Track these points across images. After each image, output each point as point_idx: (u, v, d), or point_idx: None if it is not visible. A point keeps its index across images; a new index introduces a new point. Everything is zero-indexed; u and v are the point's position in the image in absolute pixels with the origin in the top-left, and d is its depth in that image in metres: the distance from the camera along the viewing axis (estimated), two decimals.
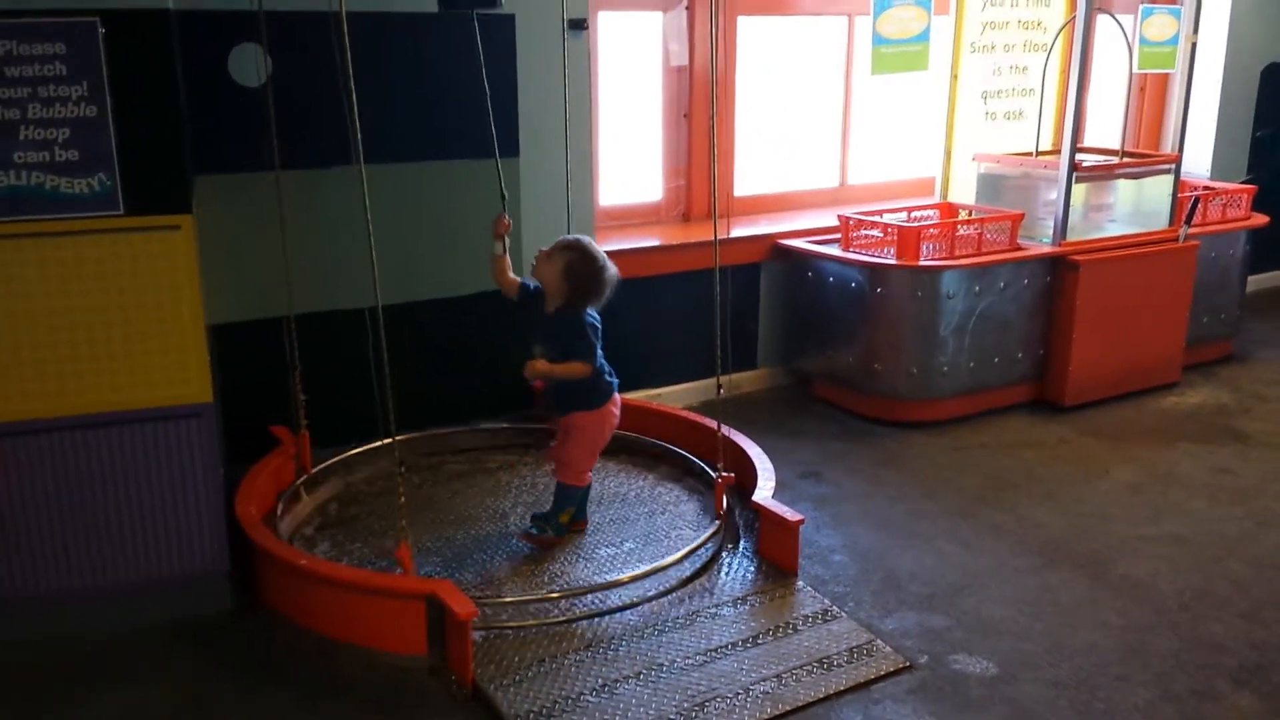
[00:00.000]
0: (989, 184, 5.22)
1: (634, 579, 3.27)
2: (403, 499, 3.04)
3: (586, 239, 3.49)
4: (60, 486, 2.97)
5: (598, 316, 3.46)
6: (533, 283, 3.48)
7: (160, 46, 2.85)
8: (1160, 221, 5.12)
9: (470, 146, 4.14)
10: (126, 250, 2.89)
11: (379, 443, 3.96)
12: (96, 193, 2.84)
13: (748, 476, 3.68)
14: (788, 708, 2.76)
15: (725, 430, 3.64)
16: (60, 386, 2.91)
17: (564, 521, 3.53)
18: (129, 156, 2.84)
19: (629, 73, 4.92)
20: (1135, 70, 5.23)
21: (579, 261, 3.37)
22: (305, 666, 2.95)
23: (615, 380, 3.52)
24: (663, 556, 3.41)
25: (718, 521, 3.55)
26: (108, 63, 2.77)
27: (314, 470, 3.79)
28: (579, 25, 4.28)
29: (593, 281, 3.38)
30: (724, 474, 3.58)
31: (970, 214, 5.01)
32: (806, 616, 3.16)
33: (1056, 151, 5.08)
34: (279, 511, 3.55)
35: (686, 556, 3.37)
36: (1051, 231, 4.82)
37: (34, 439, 2.92)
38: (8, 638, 3.01)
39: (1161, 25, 5.18)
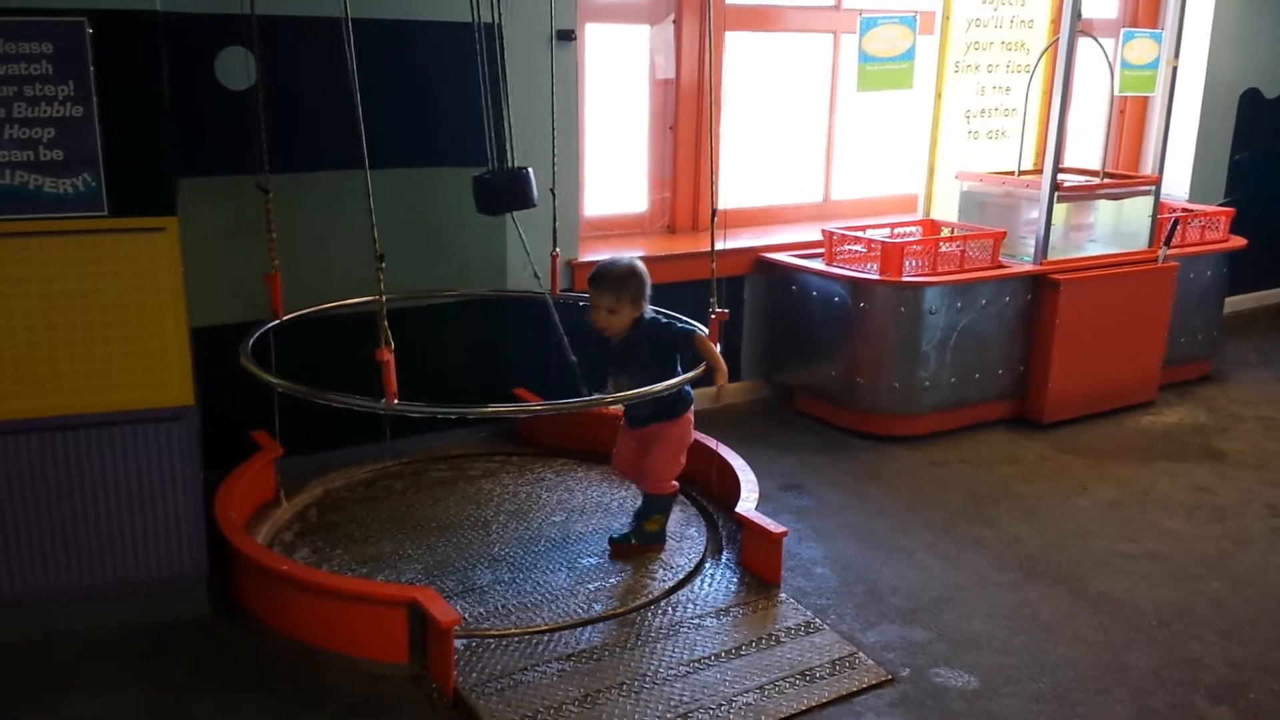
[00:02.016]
0: (971, 202, 5.26)
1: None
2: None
3: (602, 262, 3.45)
4: (38, 487, 2.94)
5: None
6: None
7: (147, 48, 2.83)
8: (1140, 242, 5.17)
9: (458, 154, 4.14)
10: (110, 251, 2.87)
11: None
12: (81, 193, 2.82)
13: (731, 488, 3.68)
14: (770, 719, 2.75)
15: (708, 440, 3.64)
16: (40, 387, 2.88)
17: (652, 530, 3.54)
18: (114, 157, 2.82)
19: (615, 85, 4.93)
20: (1116, 93, 5.30)
21: (632, 283, 3.35)
22: (284, 673, 2.92)
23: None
24: (645, 565, 3.41)
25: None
26: (95, 63, 2.76)
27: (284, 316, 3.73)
28: (566, 36, 4.29)
29: (641, 285, 3.38)
30: (718, 310, 3.54)
31: (953, 231, 5.05)
32: (789, 628, 3.16)
33: (1038, 171, 5.13)
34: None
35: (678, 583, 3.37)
36: (1033, 250, 4.86)
37: (12, 439, 2.89)
38: None
39: (1142, 49, 5.25)
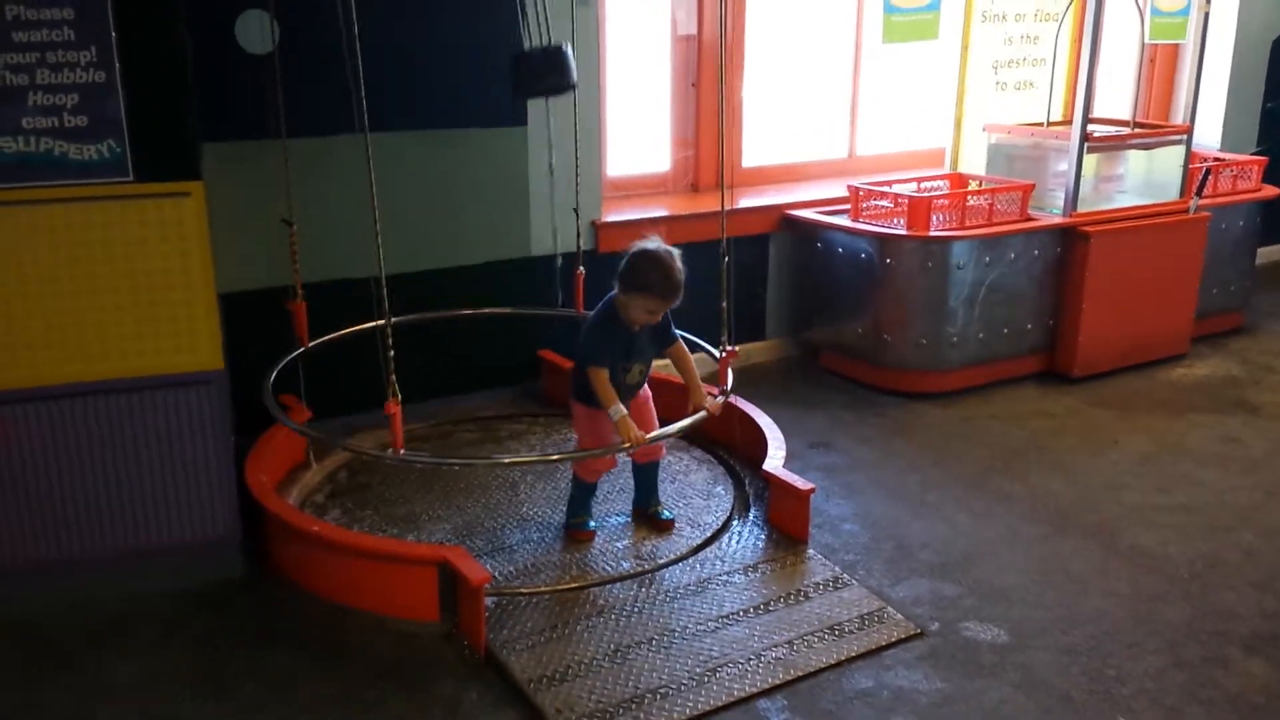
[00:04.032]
0: (999, 154, 5.19)
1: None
2: (390, 352, 2.93)
3: (661, 267, 3.16)
4: (72, 452, 2.97)
5: None
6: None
7: (168, 11, 2.82)
8: (1171, 193, 5.09)
9: (480, 115, 4.13)
10: (136, 217, 2.88)
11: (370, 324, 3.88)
12: (106, 159, 2.82)
13: (758, 446, 3.68)
14: (799, 673, 2.77)
15: (735, 400, 3.62)
16: (69, 353, 2.91)
17: None
18: (138, 122, 2.82)
19: (637, 43, 4.88)
20: (1147, 40, 5.20)
21: (655, 278, 3.15)
22: (317, 632, 2.96)
23: None
24: (672, 525, 3.44)
25: (723, 397, 3.44)
26: (116, 28, 2.75)
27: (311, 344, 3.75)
28: None
29: (661, 277, 3.18)
30: (729, 348, 3.47)
31: (980, 185, 4.99)
32: (817, 584, 3.16)
33: (1067, 122, 5.05)
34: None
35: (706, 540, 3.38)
36: (1062, 202, 4.80)
37: (44, 405, 2.92)
38: (21, 602, 3.02)
39: None
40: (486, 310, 4.25)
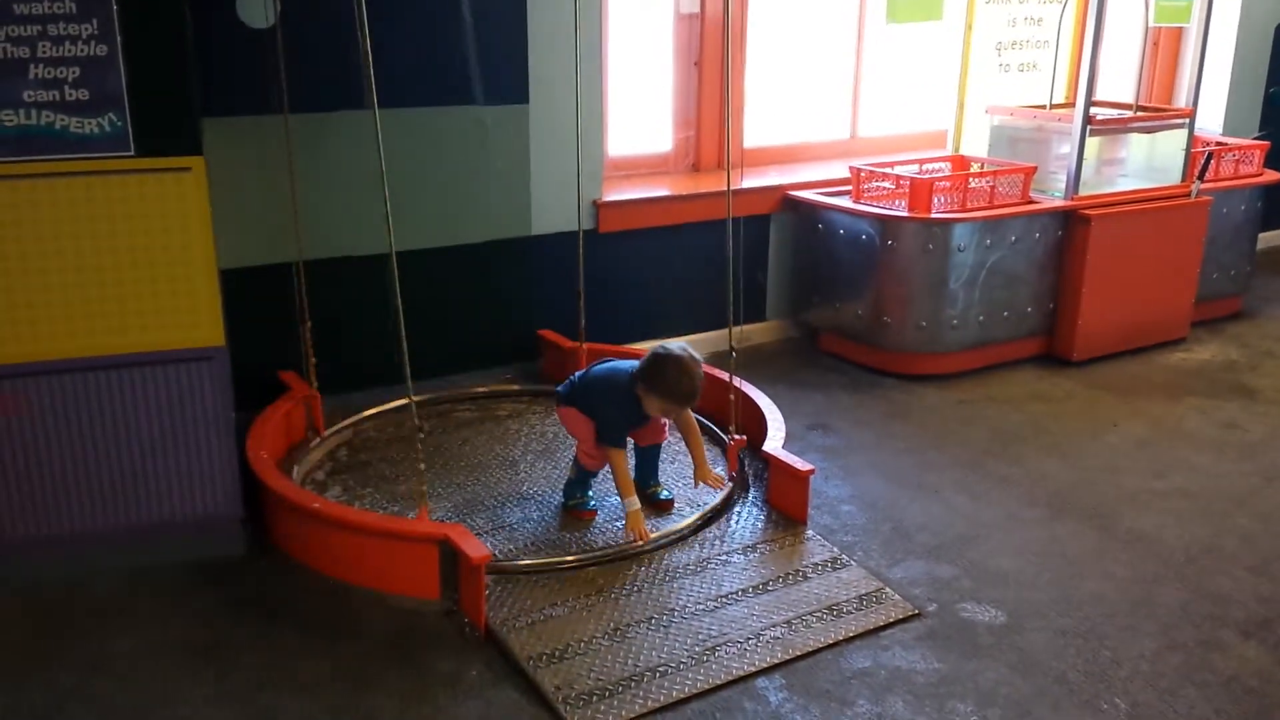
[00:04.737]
0: (1002, 136, 5.18)
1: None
2: (422, 465, 3.03)
3: (689, 375, 3.20)
4: (73, 428, 2.97)
5: None
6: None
7: None
8: (1173, 177, 5.08)
9: (482, 92, 4.11)
10: (137, 192, 2.87)
11: (396, 403, 3.98)
12: (107, 133, 2.81)
13: (757, 427, 3.69)
14: (798, 652, 2.78)
15: (736, 381, 3.64)
16: (70, 328, 2.91)
17: None
18: (139, 97, 2.81)
19: (639, 21, 4.86)
20: (1151, 23, 5.18)
21: (677, 387, 3.21)
22: (318, 609, 2.97)
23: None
24: (672, 504, 3.45)
25: (730, 483, 3.55)
26: (117, 0, 2.74)
27: (326, 434, 3.80)
28: None
29: (685, 388, 3.23)
30: (736, 436, 3.57)
31: (982, 167, 4.98)
32: (816, 564, 3.18)
33: (1070, 104, 5.04)
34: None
35: (705, 519, 3.41)
36: (1064, 185, 4.79)
37: (45, 380, 2.92)
38: (24, 578, 3.03)
39: None
40: None
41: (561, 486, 3.52)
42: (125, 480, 3.06)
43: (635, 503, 3.25)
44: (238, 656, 2.76)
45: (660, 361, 3.22)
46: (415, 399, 3.07)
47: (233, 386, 3.11)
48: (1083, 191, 4.77)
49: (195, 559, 3.16)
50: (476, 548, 2.84)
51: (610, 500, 3.49)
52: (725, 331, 3.58)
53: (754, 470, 3.68)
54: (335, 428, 3.84)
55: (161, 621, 2.90)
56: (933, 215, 4.48)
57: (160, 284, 2.95)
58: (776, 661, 2.75)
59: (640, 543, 3.20)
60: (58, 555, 3.06)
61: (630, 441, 3.46)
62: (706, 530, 3.35)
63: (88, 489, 3.04)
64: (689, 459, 3.76)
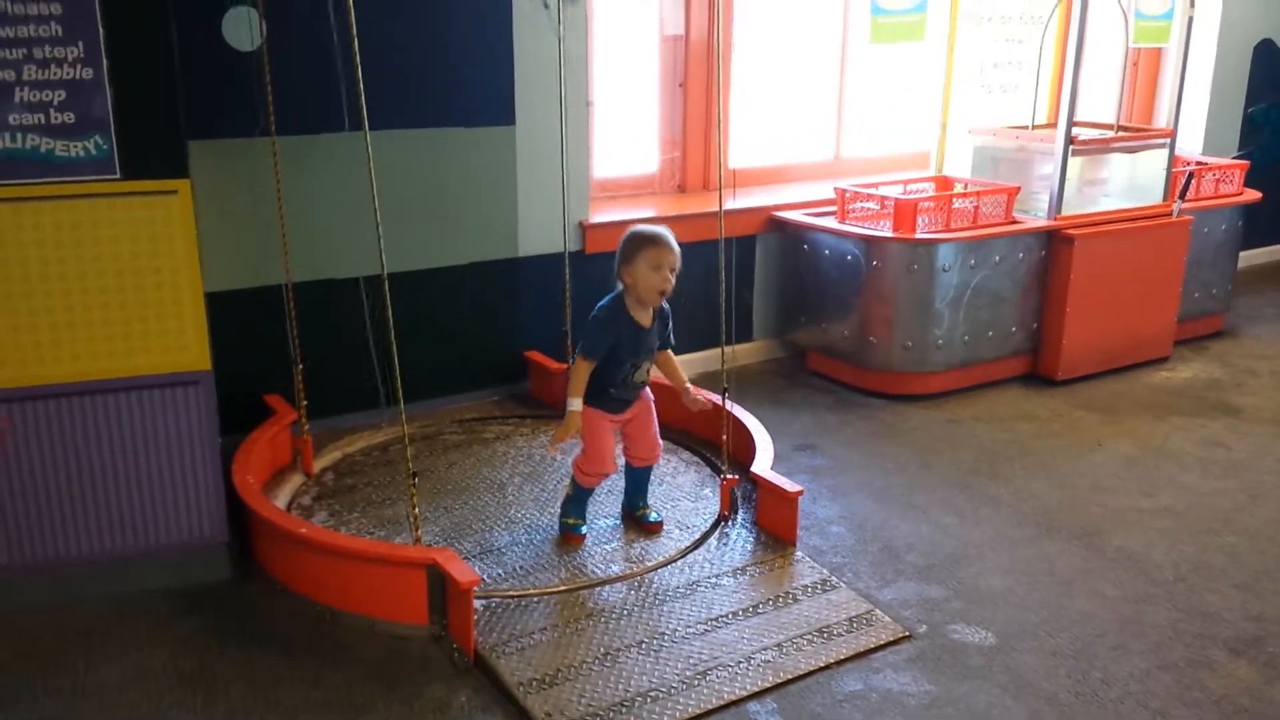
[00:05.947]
0: (985, 157, 5.22)
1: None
2: (415, 510, 3.01)
3: (642, 227, 3.24)
4: (58, 453, 2.94)
5: None
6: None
7: (156, 8, 2.80)
8: (1154, 196, 5.13)
9: (465, 114, 4.11)
10: (124, 215, 2.85)
11: (383, 435, 3.95)
12: (93, 156, 2.80)
13: (745, 448, 3.68)
14: (789, 676, 2.77)
15: (725, 402, 3.63)
16: (56, 353, 2.88)
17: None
18: (125, 119, 2.80)
19: (624, 43, 4.88)
20: (1131, 44, 5.23)
21: (649, 233, 3.19)
22: (305, 635, 2.94)
23: None
24: (660, 527, 3.44)
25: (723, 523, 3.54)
26: (104, 24, 2.73)
27: (315, 474, 3.77)
28: None
29: (653, 231, 3.21)
30: (728, 476, 3.56)
31: (966, 187, 5.01)
32: (806, 586, 3.17)
33: (1052, 125, 5.08)
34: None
35: (695, 546, 3.40)
36: (1047, 205, 4.83)
37: (30, 405, 2.89)
38: (8, 606, 2.99)
39: None
40: None
41: (550, 509, 3.51)
42: (110, 505, 3.03)
43: (577, 404, 3.19)
44: (224, 683, 2.73)
45: (624, 237, 3.23)
46: (406, 430, 3.05)
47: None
48: (1065, 211, 4.81)
49: (181, 584, 3.12)
50: (464, 572, 2.82)
51: (599, 524, 3.48)
52: (713, 353, 3.59)
53: (743, 492, 3.67)
54: (322, 462, 3.82)
55: (147, 647, 2.87)
56: (917, 235, 4.50)
57: (147, 308, 2.93)
58: (768, 685, 2.73)
59: (552, 452, 3.32)
60: (41, 581, 3.02)
61: (622, 461, 3.45)
62: (696, 552, 3.33)
63: (72, 513, 3.00)
64: (677, 481, 3.76)
